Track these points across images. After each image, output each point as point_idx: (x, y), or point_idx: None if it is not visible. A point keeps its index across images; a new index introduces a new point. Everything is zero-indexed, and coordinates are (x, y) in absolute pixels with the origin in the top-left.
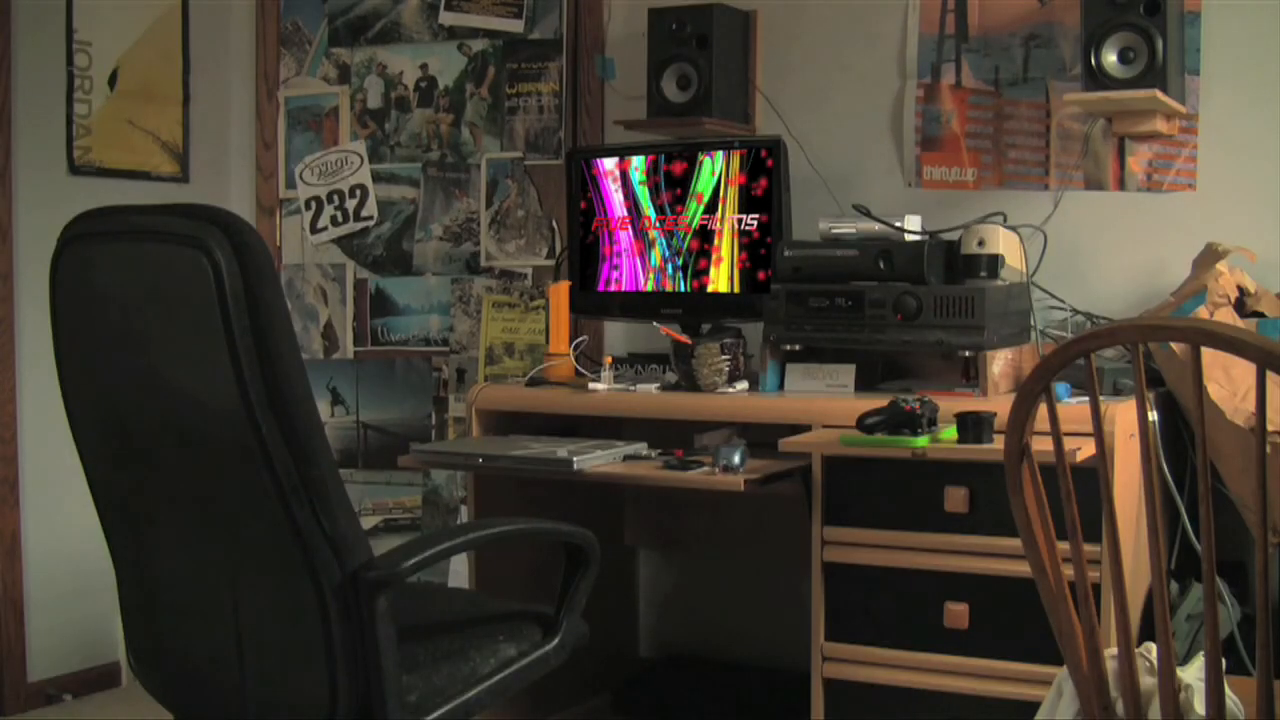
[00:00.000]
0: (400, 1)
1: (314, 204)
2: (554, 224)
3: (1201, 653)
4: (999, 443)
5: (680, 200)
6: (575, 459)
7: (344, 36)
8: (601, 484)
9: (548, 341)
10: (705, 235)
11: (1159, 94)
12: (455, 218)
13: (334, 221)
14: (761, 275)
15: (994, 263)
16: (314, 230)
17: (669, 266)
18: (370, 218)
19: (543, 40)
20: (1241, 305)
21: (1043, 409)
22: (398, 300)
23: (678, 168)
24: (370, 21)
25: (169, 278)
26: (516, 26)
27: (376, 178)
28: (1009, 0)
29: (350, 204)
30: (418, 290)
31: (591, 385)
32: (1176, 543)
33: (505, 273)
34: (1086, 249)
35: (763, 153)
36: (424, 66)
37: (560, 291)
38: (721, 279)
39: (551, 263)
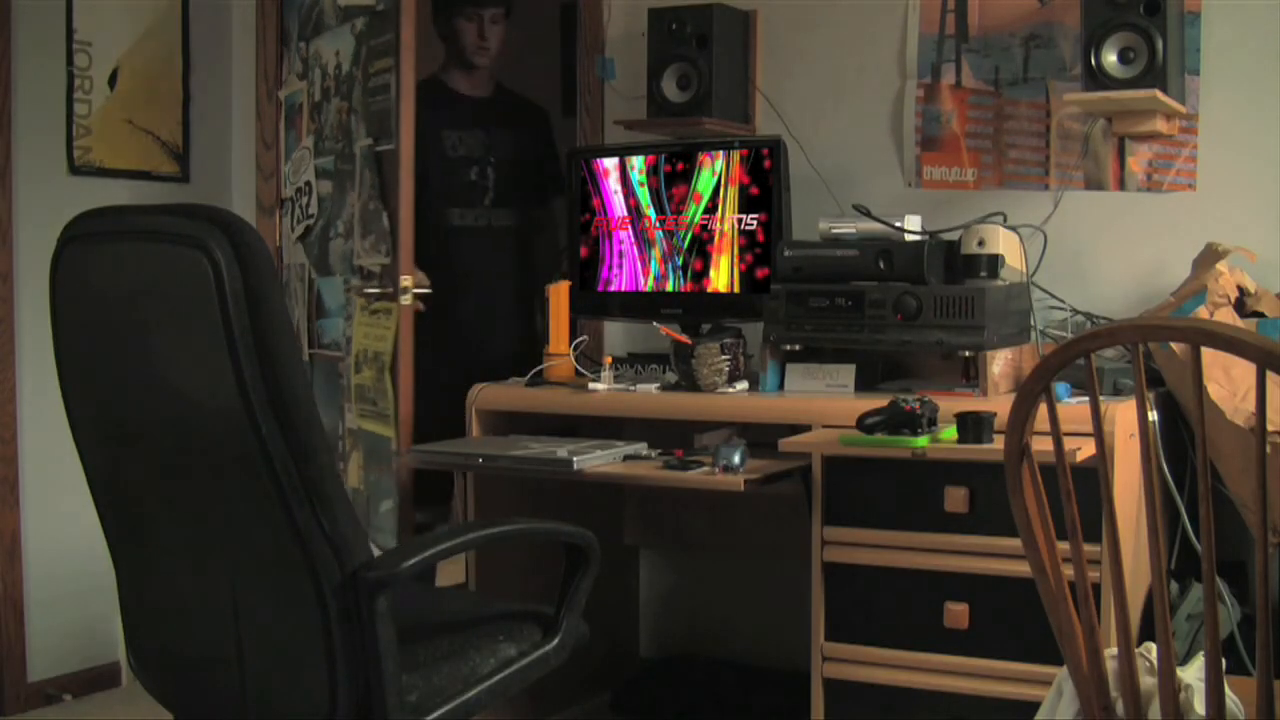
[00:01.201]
0: None
1: (288, 204)
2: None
3: (1201, 653)
4: (999, 443)
5: (680, 200)
6: (575, 459)
7: (307, 31)
8: (601, 484)
9: (547, 342)
10: (705, 235)
11: (1159, 94)
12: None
13: (296, 220)
14: (761, 275)
15: (994, 263)
16: (293, 230)
17: (669, 266)
18: (313, 215)
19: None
20: (1241, 305)
21: (1043, 409)
22: (327, 302)
23: (678, 168)
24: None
25: (169, 278)
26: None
27: (319, 173)
28: (1009, 0)
29: (303, 201)
30: (336, 291)
31: (591, 385)
32: (1176, 543)
33: (371, 273)
34: (1086, 249)
35: (763, 153)
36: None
37: (560, 291)
38: (721, 279)
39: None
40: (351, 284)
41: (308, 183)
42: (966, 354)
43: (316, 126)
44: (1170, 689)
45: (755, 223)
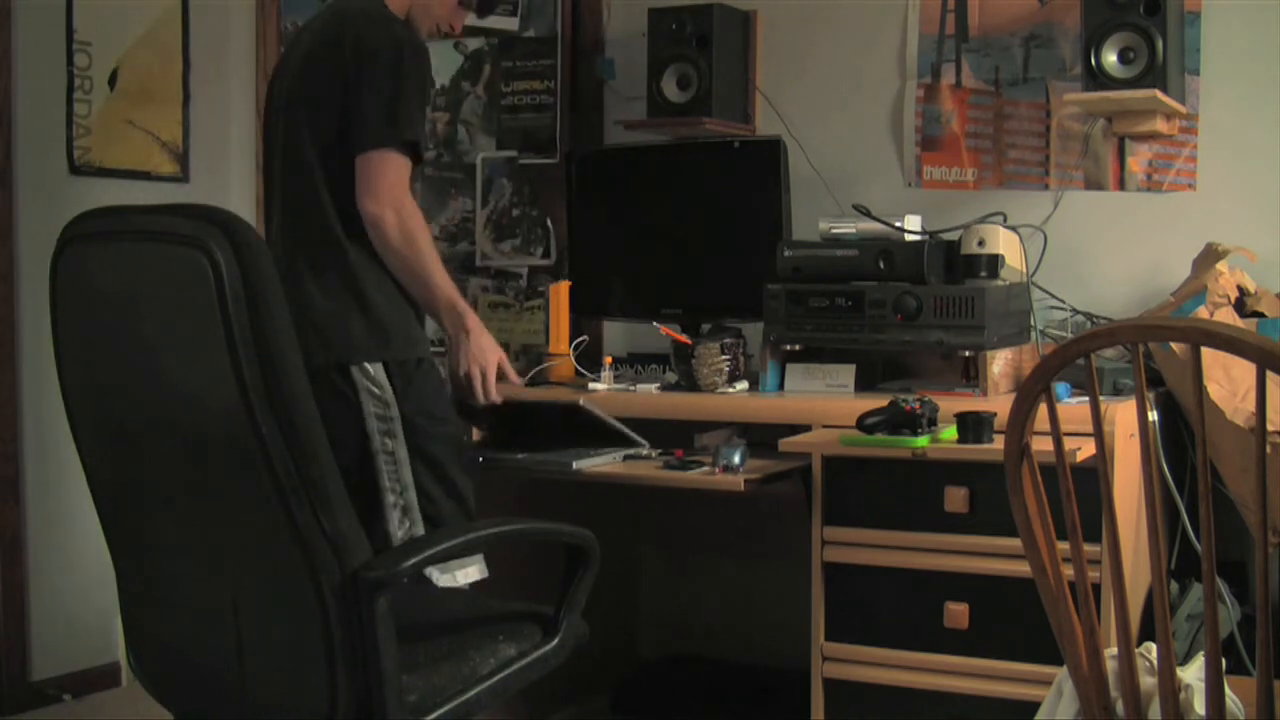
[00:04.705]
0: None
1: None
2: (548, 223)
3: (1201, 653)
4: (999, 443)
5: (680, 200)
6: (575, 459)
7: None
8: (601, 484)
9: (547, 341)
10: (705, 235)
11: (1159, 94)
12: (451, 217)
13: None
14: (761, 276)
15: (994, 263)
16: None
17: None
18: None
19: (539, 38)
20: (1241, 305)
21: (1043, 409)
22: None
23: (678, 167)
24: None
25: (169, 278)
26: (512, 25)
27: None
28: (1009, 0)
29: None
30: None
31: (591, 385)
32: (1176, 543)
33: (500, 273)
34: (1086, 249)
35: (763, 153)
36: None
37: (560, 291)
38: (721, 279)
39: (547, 262)
40: (470, 284)
41: None
42: (966, 354)
43: None
44: (1170, 689)
45: (756, 223)
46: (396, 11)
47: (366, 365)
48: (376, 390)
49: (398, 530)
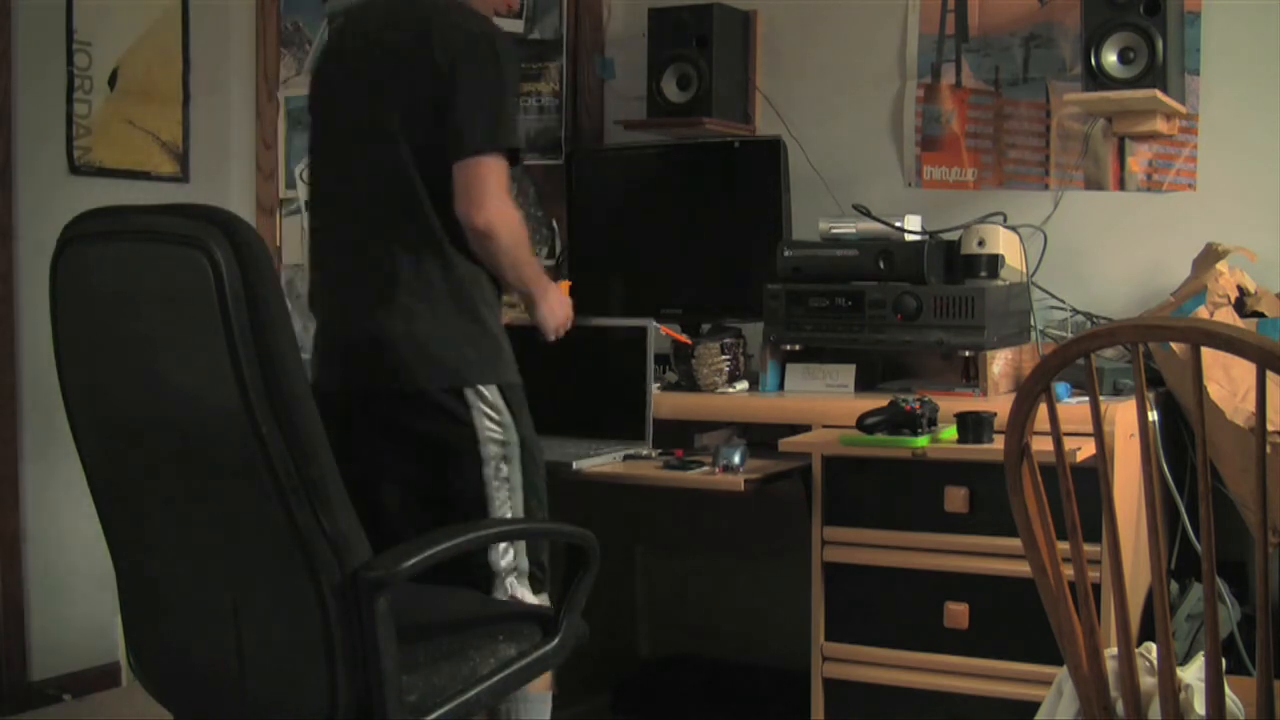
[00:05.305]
0: None
1: (304, 204)
2: (553, 224)
3: (1201, 653)
4: (999, 443)
5: (680, 200)
6: (575, 459)
7: None
8: (601, 484)
9: None
10: (705, 235)
11: (1159, 94)
12: None
13: None
14: (761, 276)
15: (994, 263)
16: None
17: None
18: None
19: (542, 40)
20: (1241, 305)
21: (1043, 409)
22: None
23: (678, 167)
24: None
25: (169, 278)
26: (516, 26)
27: None
28: (1009, 0)
29: None
30: None
31: None
32: (1176, 543)
33: None
34: (1086, 249)
35: (763, 153)
36: None
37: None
38: (721, 279)
39: (551, 263)
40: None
41: None
42: (966, 354)
43: None
44: (1170, 689)
45: (756, 224)
46: None
47: (481, 388)
48: (494, 414)
49: (500, 560)
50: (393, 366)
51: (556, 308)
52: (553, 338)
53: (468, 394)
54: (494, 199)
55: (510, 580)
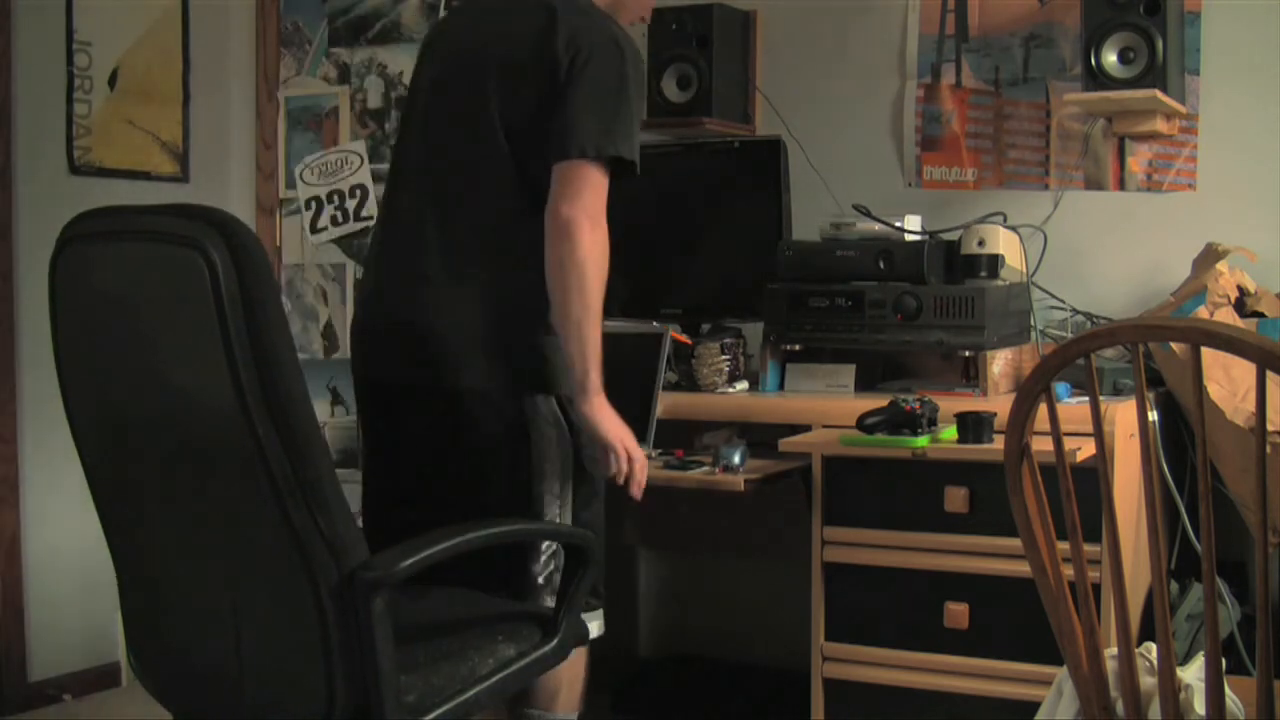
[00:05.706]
0: (400, 1)
1: (314, 204)
2: None
3: (1201, 653)
4: (999, 443)
5: (680, 200)
6: None
7: (344, 36)
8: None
9: None
10: (705, 235)
11: (1159, 94)
12: None
13: (334, 221)
14: (761, 276)
15: (994, 263)
16: (314, 230)
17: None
18: (370, 217)
19: None
20: (1241, 305)
21: (1043, 409)
22: None
23: (678, 167)
24: (370, 21)
25: (166, 278)
26: None
27: (377, 178)
28: (1009, 0)
29: (350, 204)
30: None
31: None
32: (1176, 543)
33: None
34: (1086, 249)
35: (763, 153)
36: None
37: None
38: (721, 279)
39: None
40: None
41: (358, 186)
42: (966, 354)
43: (371, 131)
44: (1170, 689)
45: (755, 223)
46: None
47: (540, 397)
48: (552, 424)
49: (541, 573)
50: (455, 365)
51: (615, 422)
52: (623, 469)
53: (527, 401)
54: (589, 203)
55: (547, 596)
